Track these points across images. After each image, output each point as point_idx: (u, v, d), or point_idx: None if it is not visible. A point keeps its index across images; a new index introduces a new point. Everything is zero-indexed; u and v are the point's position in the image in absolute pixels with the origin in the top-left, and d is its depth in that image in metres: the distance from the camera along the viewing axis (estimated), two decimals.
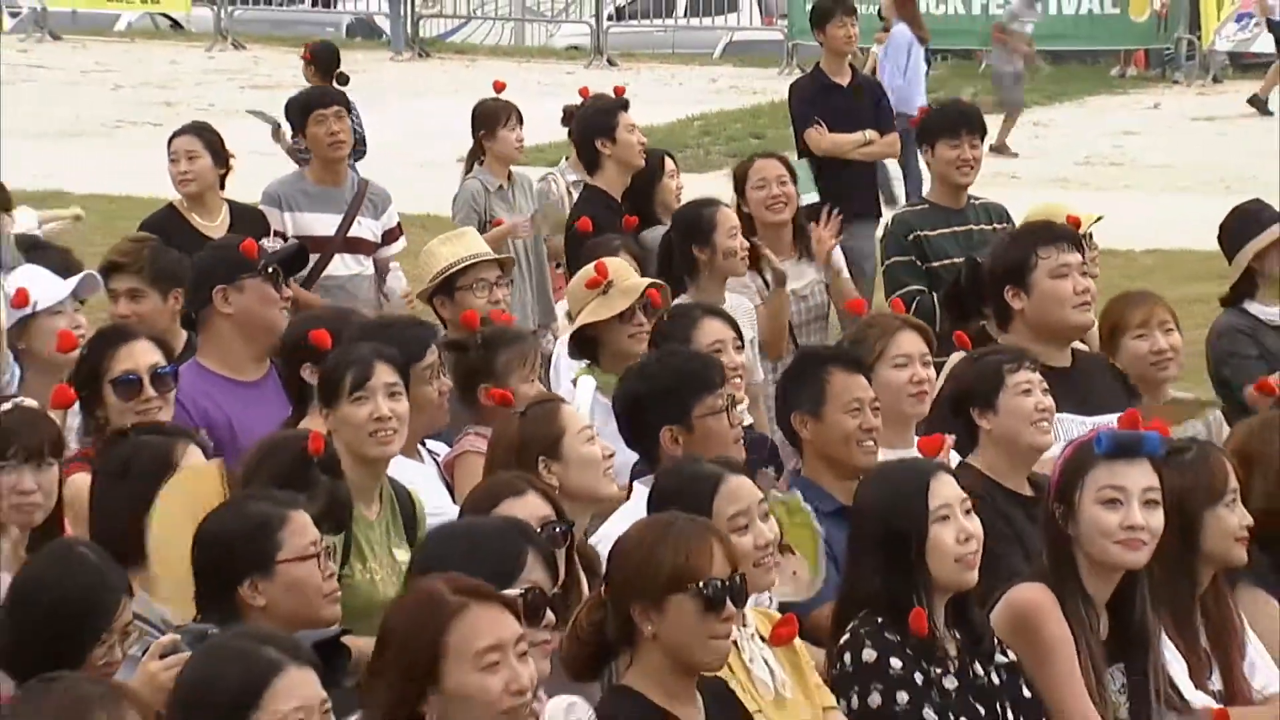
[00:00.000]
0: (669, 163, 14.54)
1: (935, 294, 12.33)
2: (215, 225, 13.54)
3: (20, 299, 9.91)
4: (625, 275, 10.93)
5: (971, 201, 13.18)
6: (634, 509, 8.16)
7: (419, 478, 9.16)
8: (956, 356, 9.77)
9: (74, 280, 10.30)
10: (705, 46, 39.36)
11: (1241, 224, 11.42)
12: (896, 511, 7.64)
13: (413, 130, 26.15)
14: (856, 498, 8.01)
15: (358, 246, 14.08)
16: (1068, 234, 10.50)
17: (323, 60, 20.21)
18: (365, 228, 14.16)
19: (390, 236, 14.41)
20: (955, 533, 7.59)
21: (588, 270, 10.98)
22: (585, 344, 10.73)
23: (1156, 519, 7.84)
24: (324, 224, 13.80)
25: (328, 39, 25.06)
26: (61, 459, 8.16)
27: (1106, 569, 7.88)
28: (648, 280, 11.10)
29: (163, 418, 8.94)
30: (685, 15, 41.41)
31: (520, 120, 15.76)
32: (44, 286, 10.11)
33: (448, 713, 6.16)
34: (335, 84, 18.16)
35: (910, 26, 26.37)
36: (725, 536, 7.11)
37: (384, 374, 8.67)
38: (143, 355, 9.26)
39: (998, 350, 9.62)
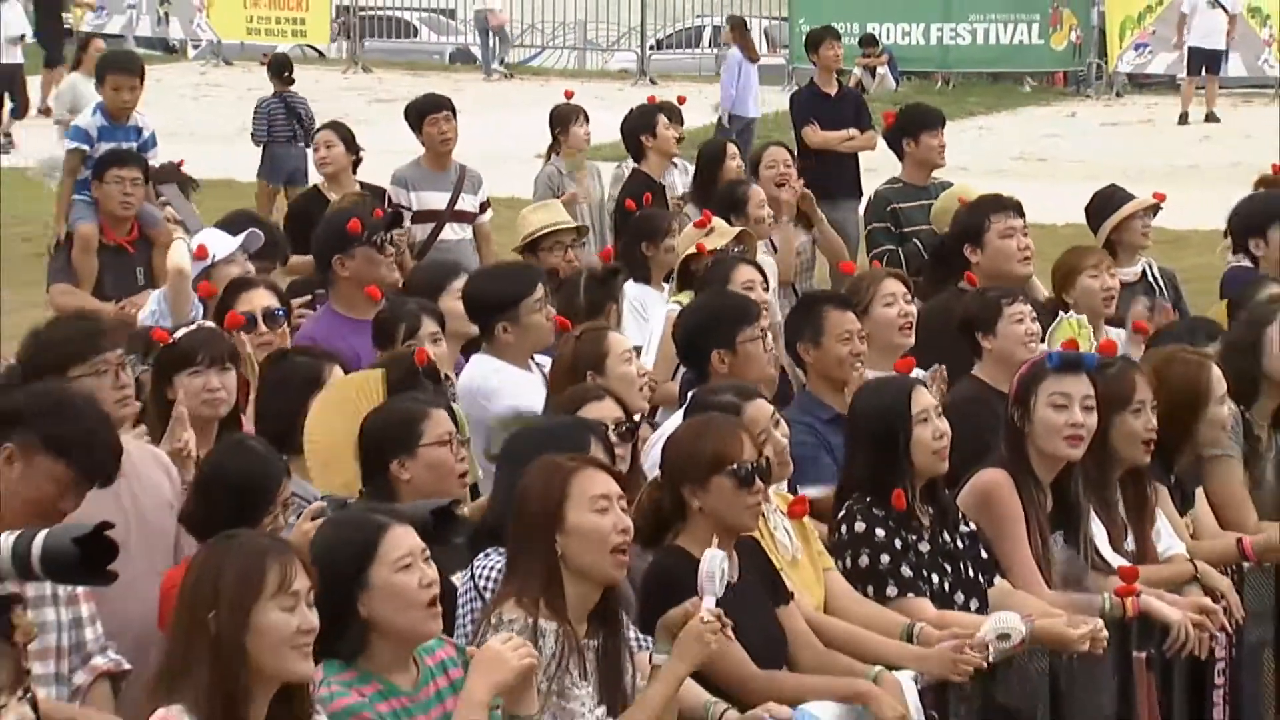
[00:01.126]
0: (730, 148, 14.21)
1: (903, 251, 12.28)
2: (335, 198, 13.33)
3: (200, 253, 9.87)
4: (721, 224, 10.96)
5: (933, 180, 13.03)
6: (681, 416, 8.06)
7: (526, 384, 9.00)
8: None
9: (241, 236, 10.23)
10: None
11: (1101, 204, 11.35)
12: (886, 415, 7.59)
13: (500, 133, 25.98)
14: (853, 405, 7.95)
15: (461, 216, 13.95)
16: (1013, 203, 10.47)
17: (275, 66, 21.61)
18: (467, 202, 14.04)
19: (483, 208, 14.28)
20: (932, 431, 7.53)
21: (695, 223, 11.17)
22: (685, 277, 10.55)
23: (1092, 419, 7.85)
24: (437, 199, 13.67)
25: (285, 53, 26.17)
26: (238, 365, 8.08)
27: (1052, 459, 7.83)
28: (739, 228, 11.15)
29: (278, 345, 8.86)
30: (709, 45, 41.32)
31: (587, 119, 15.82)
32: (218, 242, 10.02)
33: (571, 548, 6.18)
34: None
35: (741, 50, 26.64)
36: (752, 431, 7.09)
37: (428, 325, 8.58)
38: (259, 299, 9.14)
39: (998, 287, 9.61)
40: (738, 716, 6.58)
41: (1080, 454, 7.82)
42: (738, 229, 10.99)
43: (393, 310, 9.20)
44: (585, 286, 10.01)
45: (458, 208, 13.91)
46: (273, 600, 5.43)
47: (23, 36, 30.02)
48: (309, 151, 17.70)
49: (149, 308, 9.86)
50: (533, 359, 9.38)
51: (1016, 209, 10.42)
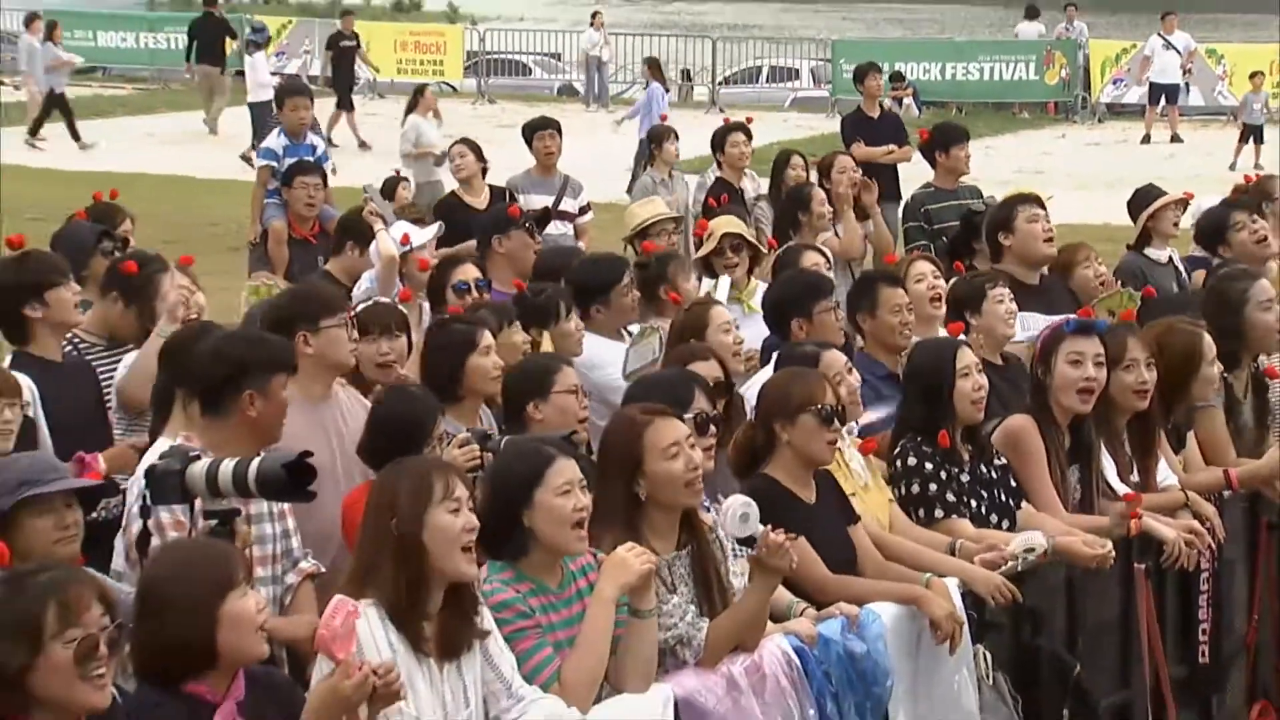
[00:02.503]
0: (795, 158, 14.09)
1: (934, 245, 12.06)
2: (479, 200, 13.32)
3: (404, 240, 9.88)
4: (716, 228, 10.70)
5: (960, 185, 12.91)
6: (769, 370, 8.01)
7: (618, 350, 8.84)
8: None
9: (433, 227, 10.35)
10: (779, 101, 38.89)
11: (1140, 197, 11.18)
12: (935, 370, 7.48)
13: (597, 153, 25.79)
14: (909, 360, 7.88)
15: (564, 216, 13.80)
16: (1035, 197, 10.38)
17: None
18: (568, 204, 13.93)
19: (583, 211, 14.15)
20: (972, 384, 7.44)
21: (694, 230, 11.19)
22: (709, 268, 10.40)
23: (1102, 374, 7.72)
24: (542, 201, 13.46)
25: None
26: (406, 333, 8.03)
27: (1068, 408, 7.69)
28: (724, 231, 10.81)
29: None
30: (767, 82, 41.15)
31: (677, 137, 15.89)
32: (415, 232, 10.03)
33: (651, 488, 6.08)
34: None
35: (660, 84, 27.68)
36: (828, 374, 7.09)
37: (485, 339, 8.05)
38: (470, 272, 9.23)
39: (981, 273, 9.55)
40: (814, 613, 6.51)
41: (1090, 405, 7.70)
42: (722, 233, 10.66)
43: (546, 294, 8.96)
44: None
45: (560, 208, 13.78)
46: (440, 505, 5.44)
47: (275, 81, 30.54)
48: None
49: (363, 285, 9.87)
50: (623, 329, 9.31)
51: (1037, 201, 10.30)
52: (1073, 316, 8.21)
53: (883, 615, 6.62)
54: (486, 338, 7.68)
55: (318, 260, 12.03)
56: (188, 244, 15.33)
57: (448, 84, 41.01)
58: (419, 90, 21.68)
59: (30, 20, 31.71)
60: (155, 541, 5.89)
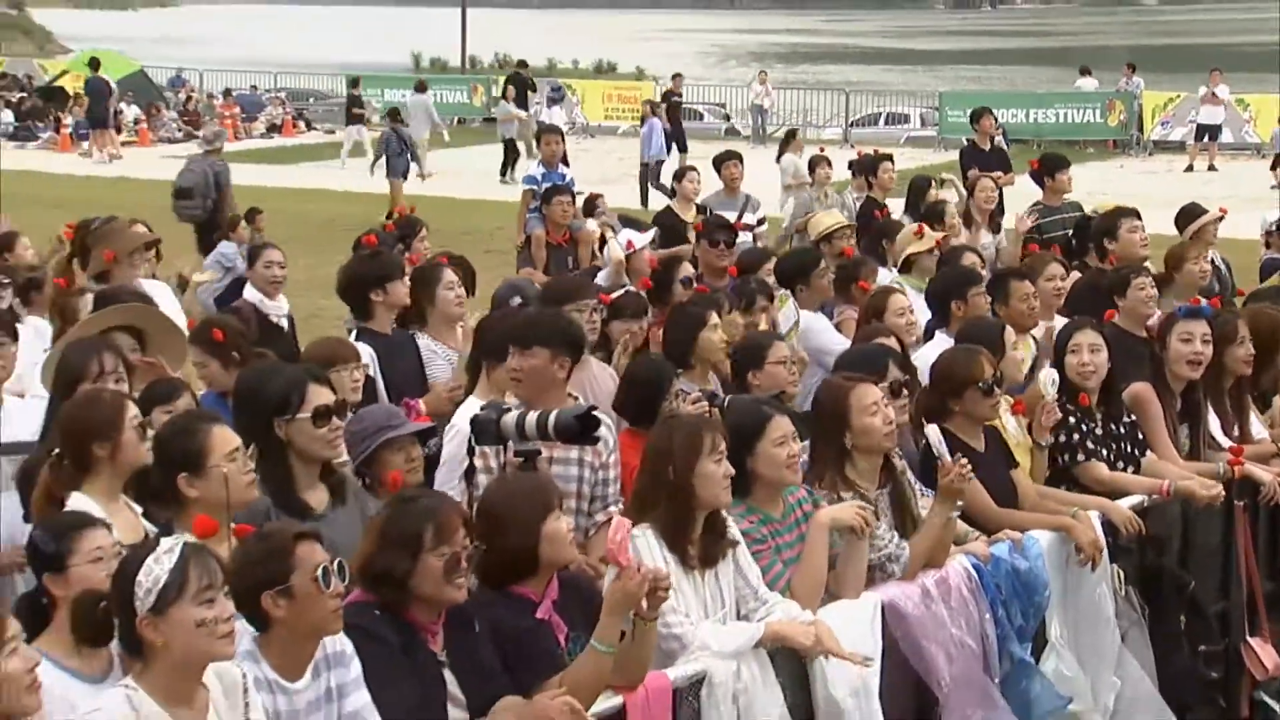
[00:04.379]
0: (935, 185, 13.60)
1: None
2: (691, 217, 12.96)
3: (629, 246, 9.76)
4: (929, 233, 10.34)
5: (1063, 202, 12.48)
6: (937, 344, 7.75)
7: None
8: None
9: (651, 232, 10.20)
10: (895, 139, 38.24)
11: (1186, 213, 10.70)
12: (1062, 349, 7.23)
13: (757, 181, 25.43)
14: (1055, 341, 7.47)
15: (746, 228, 13.36)
16: (1134, 211, 9.97)
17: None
18: (748, 218, 13.57)
19: (760, 223, 13.83)
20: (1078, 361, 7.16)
21: (912, 228, 10.54)
22: (906, 265, 10.04)
23: (1208, 350, 7.36)
24: (730, 215, 13.15)
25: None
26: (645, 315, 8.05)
27: (1180, 376, 7.38)
28: (943, 233, 10.65)
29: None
30: (884, 124, 40.50)
31: (830, 165, 15.48)
32: (637, 238, 9.89)
33: (857, 440, 5.93)
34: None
35: (657, 120, 27.62)
36: (990, 356, 6.72)
37: (713, 318, 7.65)
38: (688, 269, 9.02)
39: (1127, 265, 8.93)
40: (985, 539, 6.30)
41: (1198, 374, 7.37)
42: (939, 234, 10.42)
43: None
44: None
45: (743, 221, 13.44)
46: (709, 457, 5.26)
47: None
48: None
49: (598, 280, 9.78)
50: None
51: (1136, 214, 9.91)
52: (1185, 304, 7.85)
53: (1040, 540, 6.41)
54: (714, 317, 7.51)
55: (567, 260, 11.96)
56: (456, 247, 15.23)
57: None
58: (790, 134, 21.88)
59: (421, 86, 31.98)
60: (479, 476, 5.81)
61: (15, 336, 6.54)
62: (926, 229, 10.45)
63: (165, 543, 3.89)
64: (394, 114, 27.92)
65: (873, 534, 5.73)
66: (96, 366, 5.66)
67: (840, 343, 8.35)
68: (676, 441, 5.29)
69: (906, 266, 10.00)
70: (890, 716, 5.62)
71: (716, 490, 5.28)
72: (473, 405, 6.44)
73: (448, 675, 4.60)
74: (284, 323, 9.26)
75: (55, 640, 4.11)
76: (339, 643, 4.29)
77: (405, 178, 25.13)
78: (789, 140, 21.36)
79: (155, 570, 3.78)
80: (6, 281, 8.03)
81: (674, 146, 29.09)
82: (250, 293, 9.18)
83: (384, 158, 25.56)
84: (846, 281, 9.35)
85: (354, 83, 35.32)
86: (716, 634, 5.18)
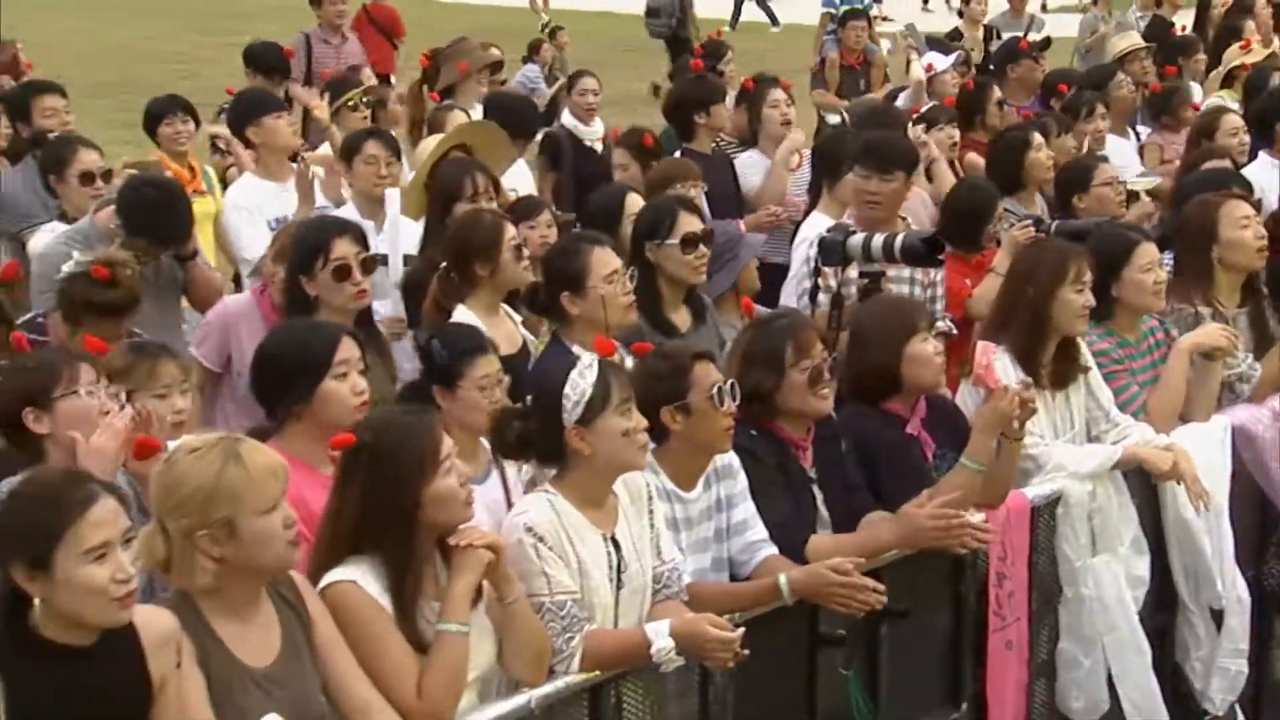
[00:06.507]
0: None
1: None
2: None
3: (929, 68, 9.56)
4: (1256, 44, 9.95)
5: None
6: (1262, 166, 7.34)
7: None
8: None
9: (955, 54, 9.93)
10: None
11: None
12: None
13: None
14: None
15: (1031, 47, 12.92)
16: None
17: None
18: (1032, 36, 12.41)
19: (1045, 44, 12.96)
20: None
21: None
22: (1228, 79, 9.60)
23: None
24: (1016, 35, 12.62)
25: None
26: None
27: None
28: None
29: None
30: None
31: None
32: (939, 60, 9.62)
33: (1223, 254, 5.75)
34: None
35: None
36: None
37: (1037, 139, 7.25)
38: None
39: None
40: None
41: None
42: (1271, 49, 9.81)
43: None
44: None
45: (1027, 39, 12.83)
46: (1070, 284, 5.16)
47: None
48: None
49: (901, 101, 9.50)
50: None
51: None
52: None
53: None
54: (1039, 139, 7.26)
55: (859, 83, 11.77)
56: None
57: None
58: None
59: None
60: (820, 296, 5.74)
61: (398, 153, 6.60)
62: (1254, 41, 9.88)
63: (584, 359, 3.94)
64: None
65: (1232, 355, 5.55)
66: (470, 186, 5.74)
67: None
68: (1041, 265, 5.17)
69: (1228, 80, 9.48)
70: (1238, 537, 5.46)
71: (1073, 318, 5.17)
72: (817, 222, 6.38)
73: (815, 491, 4.61)
74: (598, 146, 9.28)
75: None
76: (727, 456, 4.32)
77: None
78: None
79: (580, 384, 3.84)
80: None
81: None
82: (566, 118, 9.21)
83: None
84: (1159, 111, 8.89)
85: None
86: (1073, 455, 5.09)
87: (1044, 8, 18.61)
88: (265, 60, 9.33)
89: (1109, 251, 5.45)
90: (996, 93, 8.68)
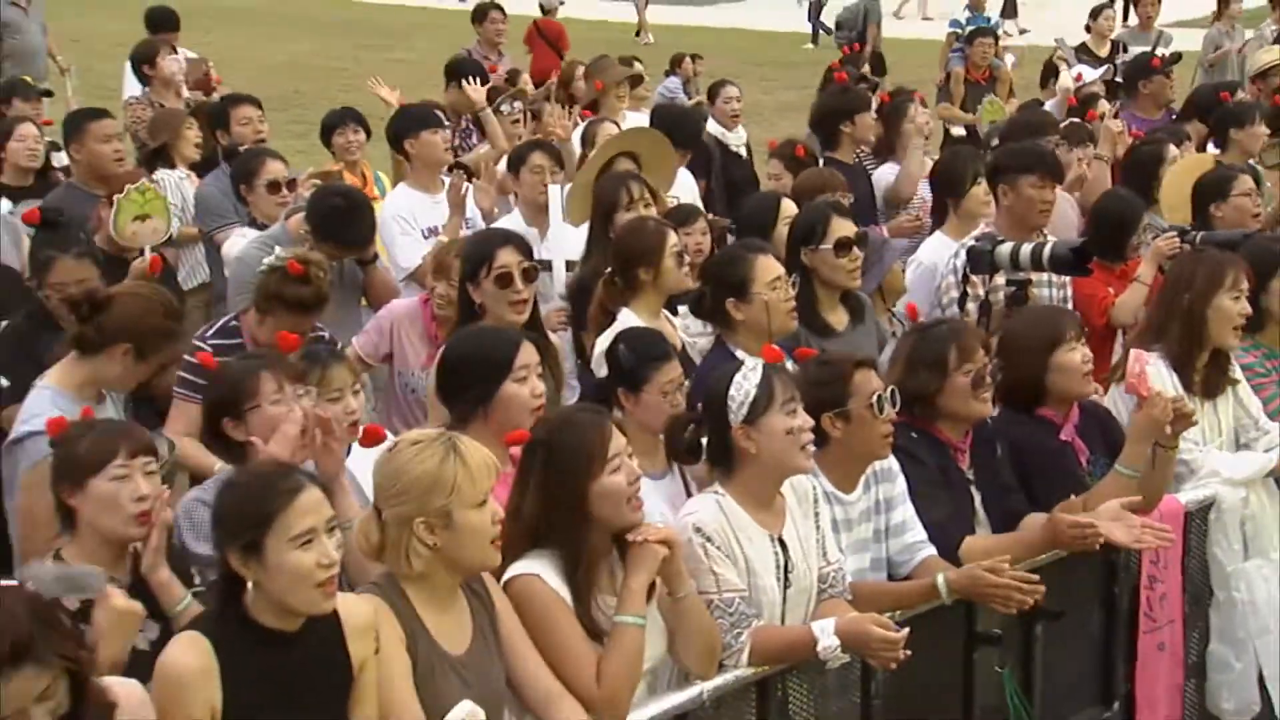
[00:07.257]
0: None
1: None
2: (1104, 53, 12.31)
3: (1078, 78, 9.52)
4: None
5: None
6: None
7: None
8: None
9: (1105, 67, 10.06)
10: None
11: None
12: None
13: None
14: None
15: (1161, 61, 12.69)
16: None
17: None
18: (1160, 52, 12.39)
19: (1174, 59, 12.71)
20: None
21: None
22: None
23: None
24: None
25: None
26: None
27: None
28: None
29: None
30: None
31: None
32: (1088, 71, 9.66)
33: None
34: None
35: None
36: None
37: None
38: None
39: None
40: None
41: None
42: None
43: None
44: None
45: (1156, 55, 12.68)
46: (1227, 292, 5.18)
47: None
48: None
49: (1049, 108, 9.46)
50: None
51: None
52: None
53: None
54: (1173, 151, 7.35)
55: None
56: None
57: None
58: None
59: None
60: (969, 305, 5.78)
61: (561, 163, 6.76)
62: None
63: (749, 362, 4.03)
64: None
65: None
66: (626, 195, 5.87)
67: None
68: (1199, 273, 5.18)
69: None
70: None
71: (1227, 326, 5.17)
72: (937, 244, 6.44)
73: (974, 492, 4.66)
74: (742, 151, 9.40)
75: None
76: (887, 459, 4.39)
77: None
78: None
79: (745, 385, 3.93)
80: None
81: None
82: (712, 125, 9.32)
83: None
84: None
85: None
86: (1227, 461, 5.08)
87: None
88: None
89: (1258, 262, 5.43)
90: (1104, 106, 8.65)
